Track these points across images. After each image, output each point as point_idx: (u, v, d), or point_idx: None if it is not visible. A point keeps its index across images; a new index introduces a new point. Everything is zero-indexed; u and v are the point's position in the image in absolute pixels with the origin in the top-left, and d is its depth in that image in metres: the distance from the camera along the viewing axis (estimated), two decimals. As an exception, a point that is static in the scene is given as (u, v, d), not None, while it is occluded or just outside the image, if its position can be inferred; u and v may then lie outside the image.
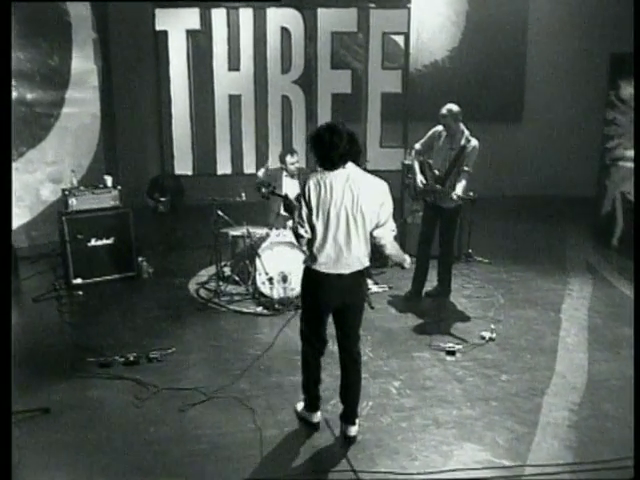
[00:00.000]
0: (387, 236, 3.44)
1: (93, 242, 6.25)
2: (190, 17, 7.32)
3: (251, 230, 5.94)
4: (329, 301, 3.49)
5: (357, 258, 3.41)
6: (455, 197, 5.09)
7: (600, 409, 3.99)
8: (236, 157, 7.79)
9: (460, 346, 4.83)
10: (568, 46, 8.90)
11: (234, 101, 7.65)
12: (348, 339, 3.62)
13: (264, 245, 5.82)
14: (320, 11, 7.48)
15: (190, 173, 7.74)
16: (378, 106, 7.81)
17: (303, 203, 3.39)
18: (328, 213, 3.33)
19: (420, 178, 5.52)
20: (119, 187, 6.44)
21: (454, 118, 5.29)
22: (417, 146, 5.67)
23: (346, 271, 3.42)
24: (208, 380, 4.31)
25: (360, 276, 3.49)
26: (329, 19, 7.54)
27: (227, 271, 6.43)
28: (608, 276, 6.61)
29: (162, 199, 7.77)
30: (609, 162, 7.74)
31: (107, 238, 6.34)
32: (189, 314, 5.60)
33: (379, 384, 4.30)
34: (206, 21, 7.36)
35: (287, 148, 6.72)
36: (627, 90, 7.38)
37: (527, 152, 10.00)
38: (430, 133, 5.57)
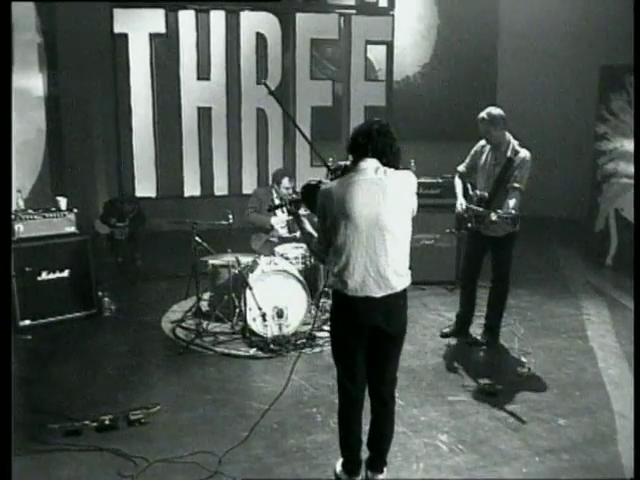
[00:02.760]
0: None
1: (44, 275, 5.27)
2: (154, 19, 6.47)
3: (241, 258, 5.12)
4: (357, 329, 2.83)
5: (387, 279, 2.77)
6: (494, 218, 4.16)
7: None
8: (206, 177, 6.94)
9: (500, 386, 4.17)
10: (546, 60, 8.66)
11: (203, 114, 6.82)
12: (381, 379, 2.98)
13: (254, 275, 5.00)
14: (299, 16, 6.84)
15: (154, 195, 6.81)
16: (361, 120, 7.17)
17: (320, 219, 2.83)
18: (346, 226, 2.72)
19: (461, 201, 4.68)
20: (75, 210, 5.49)
21: (494, 123, 4.51)
22: (460, 168, 4.87)
23: (376, 294, 2.77)
24: (211, 446, 3.42)
25: (398, 299, 2.84)
26: (308, 25, 6.90)
27: (204, 305, 5.57)
28: (618, 297, 6.19)
29: (120, 225, 6.77)
30: (601, 179, 7.43)
31: (61, 270, 5.36)
32: (169, 360, 4.68)
33: (423, 439, 3.56)
34: (172, 24, 6.55)
35: (285, 169, 6.04)
36: (618, 103, 7.12)
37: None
38: (472, 151, 4.81)
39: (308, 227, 3.01)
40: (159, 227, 7.26)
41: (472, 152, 4.82)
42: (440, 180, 6.38)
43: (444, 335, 5.09)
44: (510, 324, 5.38)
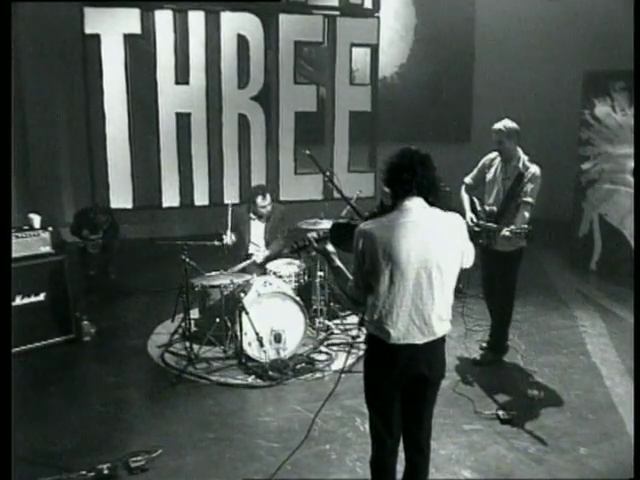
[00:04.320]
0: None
1: (19, 300, 4.89)
2: (128, 19, 6.05)
3: (234, 279, 4.83)
4: (397, 377, 2.64)
5: (432, 326, 2.59)
6: (507, 234, 4.12)
7: None
8: (185, 187, 6.57)
9: (514, 412, 4.05)
10: (525, 60, 8.60)
11: (182, 120, 6.46)
12: (419, 427, 2.78)
13: (249, 298, 4.73)
14: (282, 18, 6.54)
15: (130, 206, 6.42)
16: (346, 126, 6.97)
17: (357, 261, 2.60)
18: (391, 271, 2.50)
19: (470, 216, 4.52)
20: (50, 228, 5.09)
21: (510, 136, 4.40)
22: (467, 180, 4.72)
23: (419, 341, 2.59)
24: (223, 495, 3.17)
25: (439, 343, 2.68)
26: (292, 27, 6.61)
27: (192, 326, 5.24)
28: (609, 306, 6.18)
29: (93, 237, 6.35)
30: (585, 184, 7.44)
31: (36, 294, 5.00)
32: (161, 392, 4.36)
33: (447, 476, 3.40)
34: (148, 24, 6.14)
35: (259, 187, 5.61)
36: (602, 108, 7.11)
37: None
38: (480, 164, 4.69)
39: (342, 268, 2.76)
40: (133, 237, 6.88)
41: (479, 164, 4.71)
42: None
43: (477, 363, 4.80)
44: (510, 339, 5.28)
